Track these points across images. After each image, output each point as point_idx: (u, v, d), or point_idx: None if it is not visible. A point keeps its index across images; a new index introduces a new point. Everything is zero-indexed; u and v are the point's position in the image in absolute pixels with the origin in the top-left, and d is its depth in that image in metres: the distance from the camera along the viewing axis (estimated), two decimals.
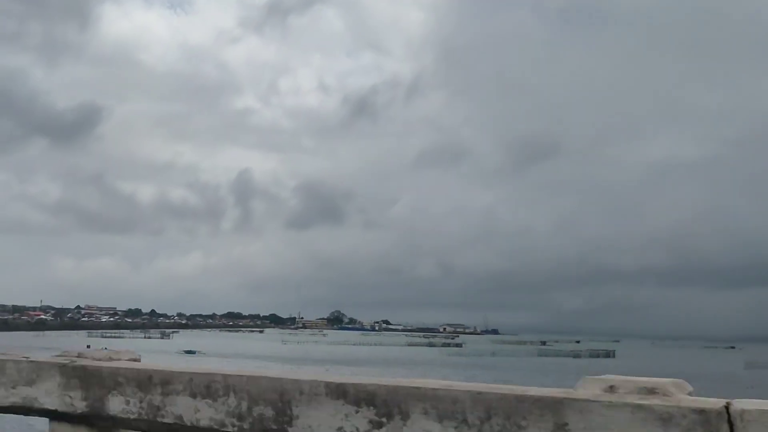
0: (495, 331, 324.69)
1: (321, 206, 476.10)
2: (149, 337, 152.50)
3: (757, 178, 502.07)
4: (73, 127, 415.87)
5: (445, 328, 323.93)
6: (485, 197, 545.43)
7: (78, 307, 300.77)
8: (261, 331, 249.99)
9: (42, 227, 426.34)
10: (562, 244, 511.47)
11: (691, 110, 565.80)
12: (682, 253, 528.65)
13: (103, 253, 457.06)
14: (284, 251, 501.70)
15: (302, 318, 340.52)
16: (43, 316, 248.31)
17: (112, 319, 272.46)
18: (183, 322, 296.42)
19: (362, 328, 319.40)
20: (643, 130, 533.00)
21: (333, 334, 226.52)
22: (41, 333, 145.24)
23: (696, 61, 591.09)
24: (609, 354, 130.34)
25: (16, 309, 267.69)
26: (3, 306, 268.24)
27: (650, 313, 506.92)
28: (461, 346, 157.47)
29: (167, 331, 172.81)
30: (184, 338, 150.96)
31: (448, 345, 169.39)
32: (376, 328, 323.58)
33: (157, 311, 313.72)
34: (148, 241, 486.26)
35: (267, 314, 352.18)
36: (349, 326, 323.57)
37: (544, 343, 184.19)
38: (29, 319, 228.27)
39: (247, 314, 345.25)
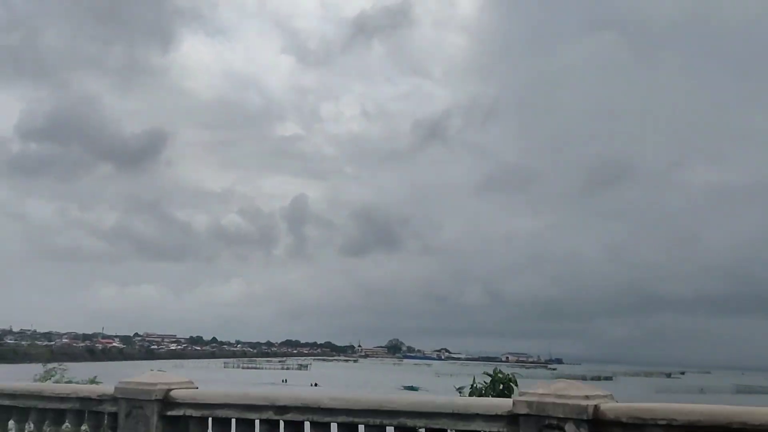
0: (559, 361, 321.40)
1: (378, 232, 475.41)
2: (287, 368, 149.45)
3: None
4: (138, 154, 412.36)
5: (508, 358, 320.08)
6: (539, 223, 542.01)
7: (136, 334, 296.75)
8: (356, 361, 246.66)
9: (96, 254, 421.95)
10: (613, 271, 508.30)
11: (752, 134, 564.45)
12: (738, 281, 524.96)
13: (155, 280, 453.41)
14: (333, 278, 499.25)
15: (360, 347, 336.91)
16: (115, 344, 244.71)
17: (179, 347, 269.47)
18: (246, 349, 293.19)
19: (424, 357, 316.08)
20: (710, 154, 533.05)
21: (419, 365, 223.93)
22: (179, 363, 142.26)
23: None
24: None
25: (86, 337, 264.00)
26: (68, 333, 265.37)
27: (705, 342, 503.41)
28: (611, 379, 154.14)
29: (303, 362, 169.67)
30: (320, 369, 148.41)
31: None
32: (443, 357, 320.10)
33: (218, 339, 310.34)
34: (198, 268, 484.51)
35: (322, 342, 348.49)
36: (411, 355, 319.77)
37: (669, 375, 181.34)
38: (103, 346, 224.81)
39: (303, 342, 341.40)
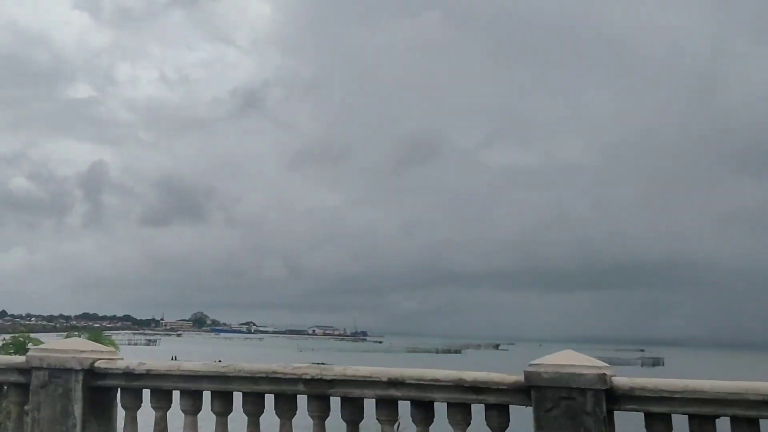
0: (364, 333, 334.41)
1: (180, 202, 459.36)
2: (135, 344, 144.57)
3: (600, 186, 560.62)
4: None
5: (314, 330, 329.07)
6: (342, 198, 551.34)
7: None
8: (179, 335, 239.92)
9: None
10: (409, 246, 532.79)
11: (547, 121, 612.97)
12: (523, 257, 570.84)
13: None
14: (130, 248, 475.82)
15: (164, 320, 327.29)
16: None
17: None
18: (42, 323, 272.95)
19: (232, 330, 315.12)
20: (512, 138, 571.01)
21: (242, 339, 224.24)
22: None
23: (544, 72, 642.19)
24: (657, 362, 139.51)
25: None
26: None
27: (489, 316, 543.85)
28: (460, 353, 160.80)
29: (155, 337, 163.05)
30: (178, 344, 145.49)
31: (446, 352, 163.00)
32: (252, 330, 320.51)
33: (7, 312, 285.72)
34: None
35: (121, 315, 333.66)
36: (219, 328, 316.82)
37: (497, 347, 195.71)
38: None
39: (102, 315, 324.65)
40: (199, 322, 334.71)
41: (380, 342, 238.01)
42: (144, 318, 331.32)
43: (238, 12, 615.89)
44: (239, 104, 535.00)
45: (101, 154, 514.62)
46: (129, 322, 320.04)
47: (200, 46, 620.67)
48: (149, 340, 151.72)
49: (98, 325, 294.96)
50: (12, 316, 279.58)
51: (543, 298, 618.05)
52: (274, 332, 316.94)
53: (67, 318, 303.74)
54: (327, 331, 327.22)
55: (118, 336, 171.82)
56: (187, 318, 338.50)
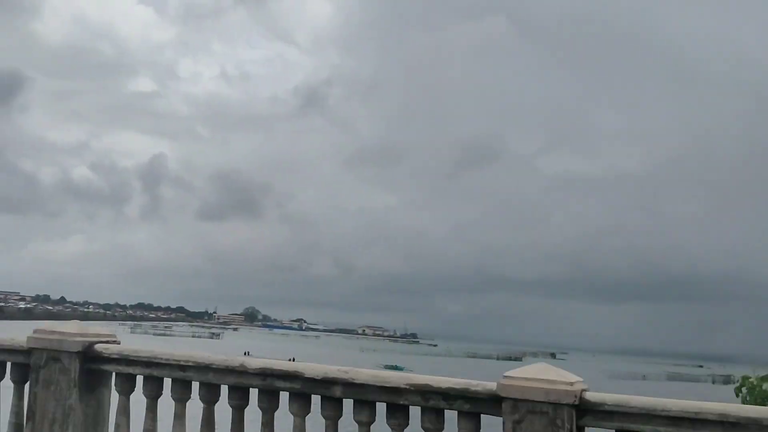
0: (414, 336, 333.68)
1: (237, 198, 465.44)
2: (198, 336, 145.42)
3: (658, 198, 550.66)
4: None
5: (364, 330, 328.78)
6: (396, 199, 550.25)
7: None
8: (235, 329, 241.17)
9: None
10: (460, 250, 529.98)
11: (607, 130, 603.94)
12: (575, 267, 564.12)
13: None
14: (186, 241, 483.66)
15: (216, 314, 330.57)
16: None
17: (28, 305, 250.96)
18: (98, 311, 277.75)
19: (283, 327, 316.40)
20: (572, 145, 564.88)
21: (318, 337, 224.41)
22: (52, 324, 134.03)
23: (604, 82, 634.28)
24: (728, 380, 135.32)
25: None
26: None
27: (538, 323, 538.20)
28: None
29: (216, 330, 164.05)
30: (238, 339, 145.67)
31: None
32: (303, 327, 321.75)
33: (67, 298, 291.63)
34: (39, 222, 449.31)
35: (174, 306, 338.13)
36: (272, 324, 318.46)
37: (553, 355, 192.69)
38: None
39: (156, 305, 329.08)
40: (250, 317, 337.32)
41: (435, 345, 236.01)
42: (197, 310, 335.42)
43: (300, 11, 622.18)
44: (299, 103, 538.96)
45: (161, 147, 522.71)
46: (182, 314, 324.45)
47: (261, 44, 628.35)
48: (212, 334, 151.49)
49: (153, 315, 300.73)
50: (71, 302, 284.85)
51: (595, 309, 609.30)
52: (325, 330, 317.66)
53: (123, 307, 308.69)
54: (377, 332, 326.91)
55: (180, 328, 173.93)
56: (239, 312, 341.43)
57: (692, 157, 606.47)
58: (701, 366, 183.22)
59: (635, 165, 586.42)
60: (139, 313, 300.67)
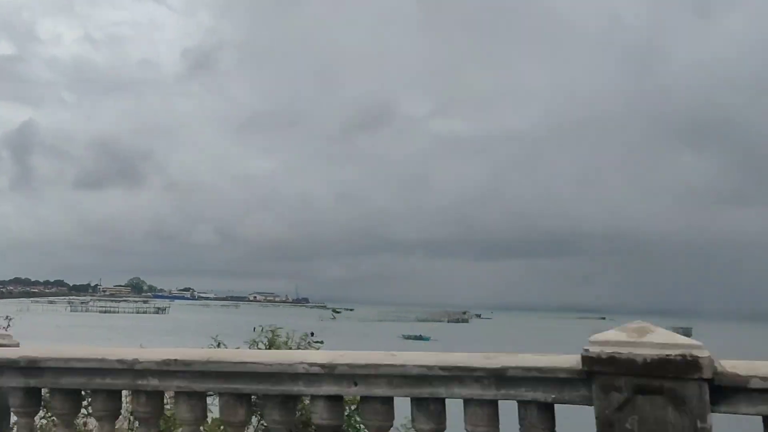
0: (306, 300, 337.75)
1: (116, 165, 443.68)
2: (144, 312, 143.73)
3: (534, 158, 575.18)
4: None
5: (256, 297, 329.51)
6: (278, 164, 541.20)
7: None
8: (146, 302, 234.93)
9: None
10: (345, 214, 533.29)
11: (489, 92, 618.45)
12: (456, 226, 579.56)
13: None
14: (60, 212, 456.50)
15: (100, 286, 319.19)
16: None
17: None
18: None
19: (171, 296, 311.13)
20: (460, 107, 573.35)
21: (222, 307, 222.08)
22: None
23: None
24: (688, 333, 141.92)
25: None
26: None
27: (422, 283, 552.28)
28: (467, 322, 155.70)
29: (158, 305, 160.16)
30: (183, 313, 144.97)
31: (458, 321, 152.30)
32: (195, 296, 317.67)
33: None
34: None
35: (53, 280, 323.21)
36: (159, 294, 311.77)
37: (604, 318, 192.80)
38: None
39: (34, 280, 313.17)
40: (136, 288, 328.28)
41: (351, 310, 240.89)
42: (79, 283, 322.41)
43: None
44: (182, 67, 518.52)
45: (24, 114, 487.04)
46: (63, 288, 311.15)
47: (126, 5, 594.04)
48: (158, 309, 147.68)
49: (35, 291, 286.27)
50: None
51: (478, 266, 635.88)
52: (216, 298, 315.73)
53: (1, 282, 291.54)
54: (268, 297, 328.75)
55: (128, 304, 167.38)
56: (123, 284, 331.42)
57: (572, 117, 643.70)
58: (603, 318, 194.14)
59: (518, 125, 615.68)
60: (18, 289, 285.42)
